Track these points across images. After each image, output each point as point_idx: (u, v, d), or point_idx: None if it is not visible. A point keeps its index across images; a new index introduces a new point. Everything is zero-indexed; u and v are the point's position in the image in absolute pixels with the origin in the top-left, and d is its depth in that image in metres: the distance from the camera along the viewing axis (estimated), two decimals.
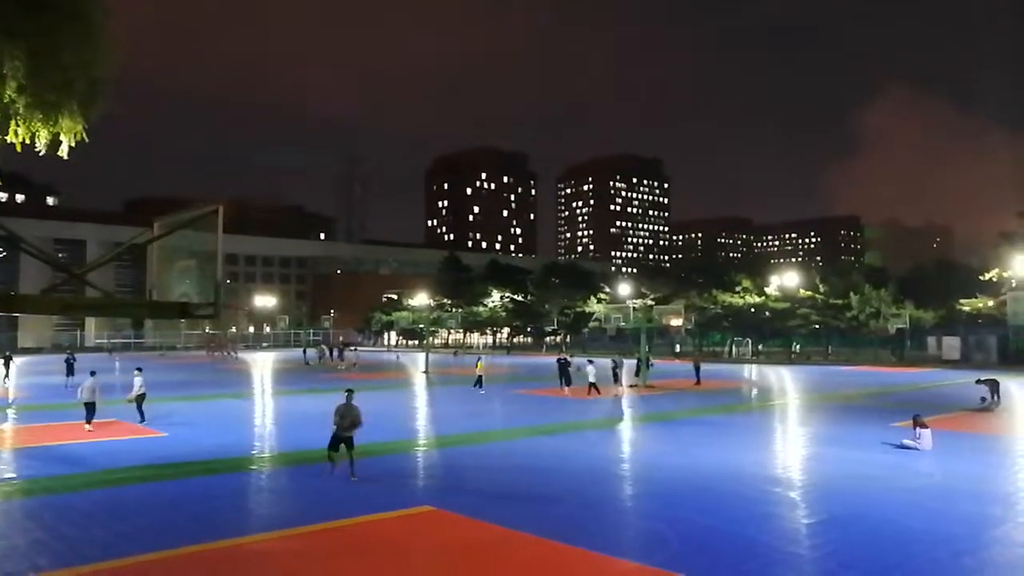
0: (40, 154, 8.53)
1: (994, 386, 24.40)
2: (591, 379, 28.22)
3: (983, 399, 24.37)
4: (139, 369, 21.45)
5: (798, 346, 61.79)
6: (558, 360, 31.48)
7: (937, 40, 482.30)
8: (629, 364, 35.59)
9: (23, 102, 7.87)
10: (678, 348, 63.31)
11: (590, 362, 29.25)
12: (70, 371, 32.25)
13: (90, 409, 18.73)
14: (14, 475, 14.06)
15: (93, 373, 20.44)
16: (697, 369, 34.30)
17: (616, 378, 31.46)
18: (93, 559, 8.82)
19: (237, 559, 9.08)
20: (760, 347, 63.56)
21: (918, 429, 16.25)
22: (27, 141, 8.30)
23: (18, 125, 8.08)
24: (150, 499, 12.06)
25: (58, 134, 8.37)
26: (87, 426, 18.61)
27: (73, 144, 8.54)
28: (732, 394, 30.75)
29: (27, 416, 22.80)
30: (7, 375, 33.76)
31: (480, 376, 31.27)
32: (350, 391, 13.63)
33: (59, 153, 8.57)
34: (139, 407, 20.37)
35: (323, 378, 39.09)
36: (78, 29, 7.86)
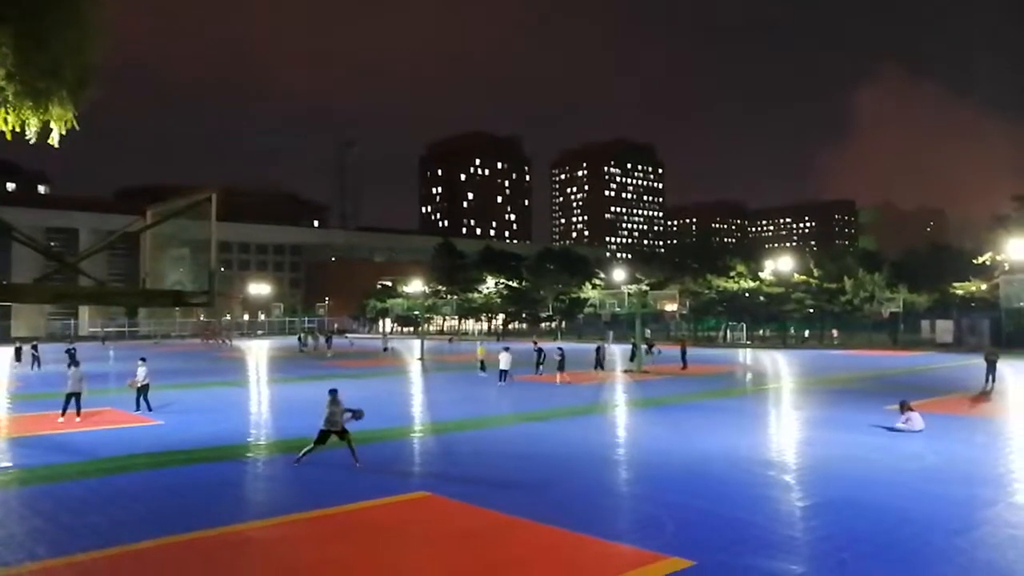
0: (30, 142, 8.46)
1: (992, 367, 24.46)
2: (503, 366, 27.50)
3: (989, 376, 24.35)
4: (143, 359, 21.31)
5: (806, 332, 61.85)
6: (507, 348, 31.45)
7: (931, 22, 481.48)
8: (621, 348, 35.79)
9: (12, 90, 7.79)
10: (648, 332, 63.22)
11: (506, 349, 29.08)
12: (72, 362, 32.16)
13: (74, 399, 18.39)
14: (11, 464, 14.06)
15: (77, 363, 20.39)
16: (683, 353, 34.46)
17: (598, 363, 31.73)
18: (90, 547, 8.84)
19: (234, 546, 9.11)
20: (763, 332, 63.71)
21: (907, 413, 16.36)
22: (17, 129, 8.23)
23: (8, 113, 8.01)
24: (147, 487, 12.07)
25: (48, 122, 8.30)
26: (77, 418, 18.30)
27: (63, 132, 8.47)
28: (727, 379, 30.88)
29: (24, 405, 22.76)
30: (38, 364, 34.38)
31: (482, 361, 32.19)
32: (334, 391, 13.59)
33: (50, 141, 8.51)
34: (144, 397, 20.31)
35: (317, 365, 39.15)
36: (66, 14, 7.77)
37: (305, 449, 13.31)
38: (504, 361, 27.77)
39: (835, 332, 59.28)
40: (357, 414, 13.44)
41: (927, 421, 16.39)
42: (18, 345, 38.31)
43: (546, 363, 30.07)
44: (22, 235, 8.09)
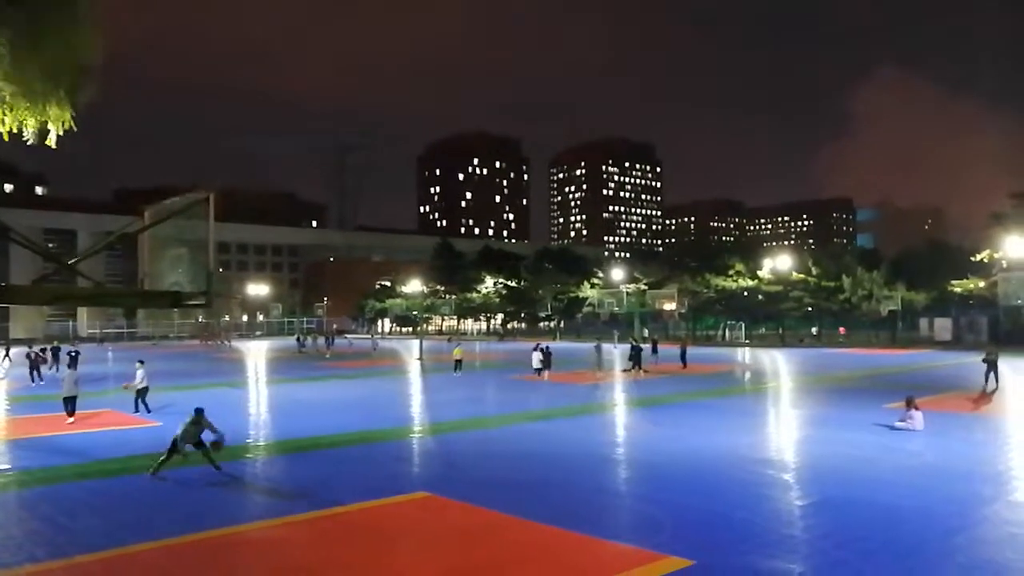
0: (28, 143, 8.43)
1: (992, 367, 24.16)
2: (536, 365, 29.64)
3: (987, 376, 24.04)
4: (141, 361, 21.27)
5: (813, 329, 61.73)
6: (537, 347, 31.51)
7: (927, 19, 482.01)
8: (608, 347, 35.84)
9: (9, 91, 7.76)
10: (646, 332, 63.25)
11: (536, 347, 30.81)
12: (72, 364, 31.98)
13: (70, 403, 18.44)
14: (9, 466, 14.04)
15: (71, 366, 20.51)
16: (683, 353, 34.49)
17: (599, 363, 32.04)
18: (90, 548, 8.84)
19: (234, 547, 9.11)
20: (763, 330, 63.68)
21: (910, 410, 16.38)
22: (14, 130, 8.20)
23: (5, 114, 7.99)
24: (146, 488, 12.05)
25: (46, 123, 8.27)
26: (70, 420, 18.28)
27: (61, 133, 8.44)
28: (725, 377, 30.90)
29: (23, 407, 22.75)
30: (59, 366, 34.31)
31: (459, 360, 33.07)
32: (199, 411, 12.78)
33: (47, 142, 8.48)
34: (142, 399, 20.24)
35: (316, 366, 39.15)
36: (64, 15, 7.75)
37: (161, 460, 12.47)
38: (536, 360, 29.91)
39: (842, 330, 59.30)
40: (218, 443, 12.56)
41: (926, 419, 16.39)
42: (56, 345, 38.72)
43: (543, 363, 30.21)
44: (20, 236, 8.07)
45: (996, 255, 47.83)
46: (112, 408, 21.13)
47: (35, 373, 30.29)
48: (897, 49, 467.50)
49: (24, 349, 37.94)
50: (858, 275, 54.98)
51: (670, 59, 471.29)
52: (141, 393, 20.23)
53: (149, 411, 20.00)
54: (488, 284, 78.77)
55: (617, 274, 62.86)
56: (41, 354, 32.67)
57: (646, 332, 52.12)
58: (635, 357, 31.05)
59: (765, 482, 11.99)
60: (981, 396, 22.87)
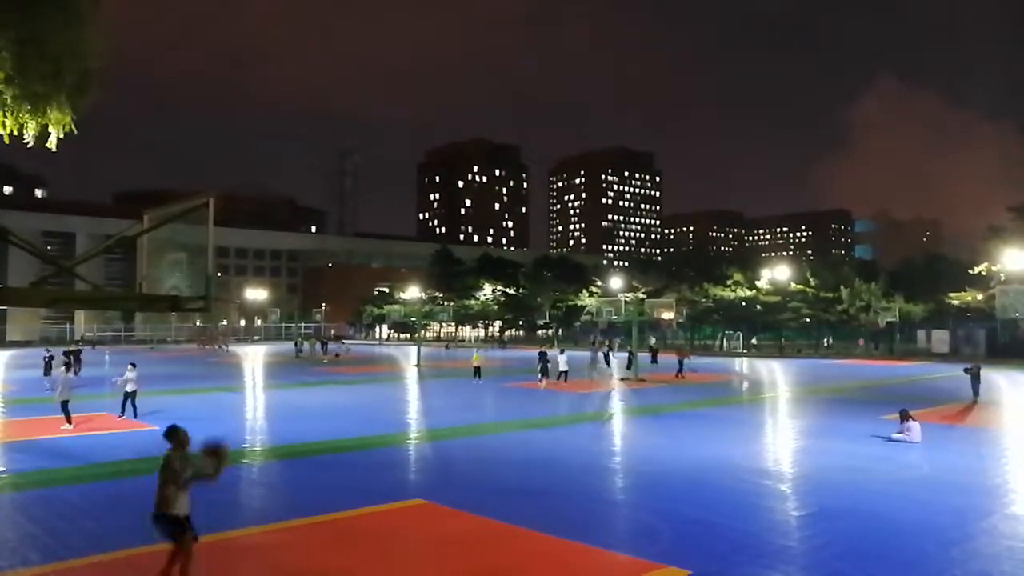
0: (28, 145, 8.44)
1: (975, 379, 24.31)
2: (563, 367, 30.32)
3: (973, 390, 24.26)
4: (133, 364, 21.18)
5: (828, 340, 61.53)
6: (562, 351, 31.82)
7: (927, 33, 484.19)
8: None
9: (11, 93, 7.78)
10: (653, 340, 63.07)
11: (561, 352, 31.39)
12: (48, 370, 31.61)
13: (65, 407, 18.35)
14: (3, 469, 13.98)
15: (67, 369, 20.47)
16: (680, 362, 34.49)
17: (594, 370, 32.28)
18: (84, 552, 8.80)
19: (228, 552, 9.06)
20: (755, 340, 63.64)
21: (906, 422, 16.37)
22: (15, 132, 8.21)
23: (6, 116, 8.00)
24: (141, 492, 11.91)
25: (47, 125, 8.28)
26: (66, 425, 18.12)
27: (62, 136, 8.45)
28: (723, 387, 30.88)
29: (16, 410, 22.68)
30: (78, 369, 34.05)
31: (478, 367, 32.70)
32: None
33: (48, 145, 8.49)
34: (132, 402, 20.00)
35: (312, 371, 39.09)
36: (66, 18, 7.77)
37: None
38: (563, 363, 30.48)
39: (861, 341, 59.05)
40: None
41: (923, 431, 16.39)
42: (78, 348, 38.42)
43: (548, 369, 30.15)
44: (19, 239, 8.07)
45: (994, 268, 47.90)
46: (108, 412, 21.05)
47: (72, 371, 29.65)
48: (896, 62, 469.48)
49: (18, 352, 37.99)
50: (856, 286, 55.06)
51: (671, 69, 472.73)
52: (130, 396, 20.02)
53: (136, 415, 19.75)
54: (487, 291, 78.75)
55: (616, 283, 62.87)
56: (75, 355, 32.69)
57: (653, 341, 52.06)
58: (607, 362, 31.30)
59: (762, 492, 11.96)
60: (973, 407, 23.00)
